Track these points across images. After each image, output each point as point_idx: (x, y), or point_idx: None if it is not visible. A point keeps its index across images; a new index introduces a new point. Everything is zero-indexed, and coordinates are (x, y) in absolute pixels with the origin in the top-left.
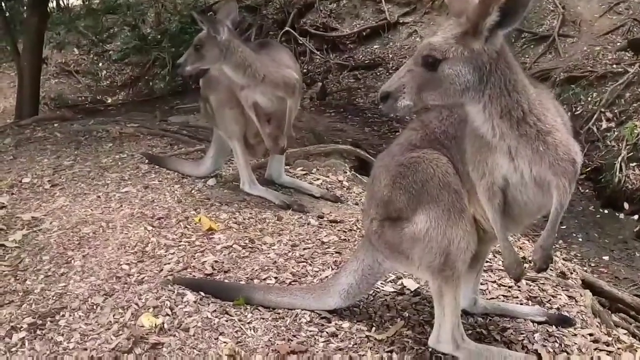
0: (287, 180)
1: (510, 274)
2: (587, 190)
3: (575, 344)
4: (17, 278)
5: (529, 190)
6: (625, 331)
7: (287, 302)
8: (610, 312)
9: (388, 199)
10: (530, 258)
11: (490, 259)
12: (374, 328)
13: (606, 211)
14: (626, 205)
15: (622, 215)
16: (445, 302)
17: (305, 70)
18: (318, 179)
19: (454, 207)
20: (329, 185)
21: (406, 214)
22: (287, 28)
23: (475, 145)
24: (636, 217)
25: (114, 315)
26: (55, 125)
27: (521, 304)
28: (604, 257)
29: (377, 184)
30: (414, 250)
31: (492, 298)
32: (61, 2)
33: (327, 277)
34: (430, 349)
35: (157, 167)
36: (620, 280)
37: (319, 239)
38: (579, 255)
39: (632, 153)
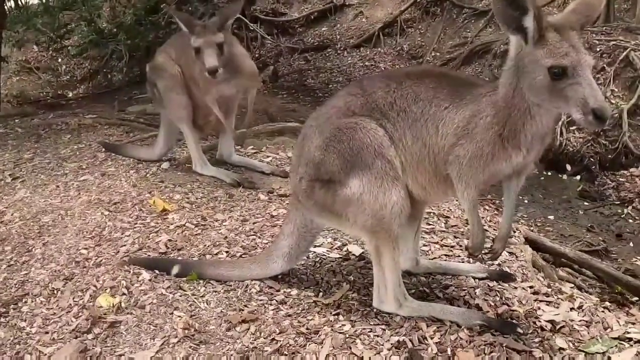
0: (238, 159)
1: (473, 254)
2: None
3: (516, 296)
4: None
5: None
6: (572, 285)
7: (237, 275)
8: (554, 267)
9: (320, 160)
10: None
11: (433, 222)
12: (321, 293)
13: (549, 173)
14: (568, 167)
15: (565, 177)
16: (384, 263)
17: (257, 55)
18: (268, 157)
19: (387, 175)
20: (279, 162)
21: (339, 177)
22: (238, 15)
23: (490, 142)
24: (578, 177)
25: (73, 299)
26: (17, 120)
27: (462, 262)
28: (549, 217)
29: (308, 143)
30: (347, 210)
31: (435, 258)
32: (19, 1)
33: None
34: (375, 310)
35: (113, 154)
36: (566, 238)
37: (268, 213)
38: (525, 216)
39: (571, 117)
